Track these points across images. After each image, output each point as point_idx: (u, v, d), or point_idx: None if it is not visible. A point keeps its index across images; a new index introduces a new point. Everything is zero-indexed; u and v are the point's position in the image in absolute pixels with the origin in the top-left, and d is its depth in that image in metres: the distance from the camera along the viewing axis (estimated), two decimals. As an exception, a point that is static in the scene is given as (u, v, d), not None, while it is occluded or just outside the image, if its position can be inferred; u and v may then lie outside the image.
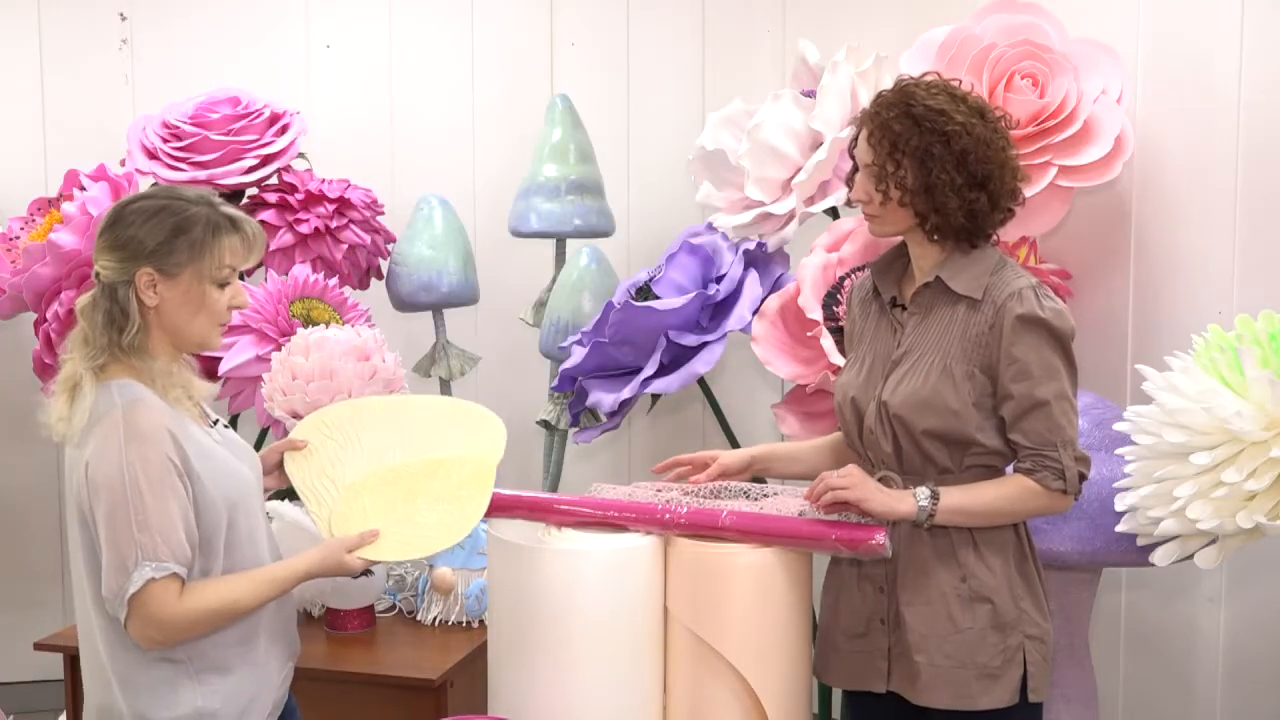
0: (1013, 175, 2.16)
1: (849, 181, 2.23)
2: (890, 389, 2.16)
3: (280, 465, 2.24)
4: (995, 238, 2.20)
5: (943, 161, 2.09)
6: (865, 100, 3.01)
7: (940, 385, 2.11)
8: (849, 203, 2.27)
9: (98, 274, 2.01)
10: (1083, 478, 2.12)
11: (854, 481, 2.10)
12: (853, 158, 2.22)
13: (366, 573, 2.83)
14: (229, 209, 2.04)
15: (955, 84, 2.19)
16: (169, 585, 1.91)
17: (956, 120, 2.10)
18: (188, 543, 1.94)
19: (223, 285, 2.02)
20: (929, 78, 2.19)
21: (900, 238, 2.23)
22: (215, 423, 2.12)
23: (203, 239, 1.98)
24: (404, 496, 2.17)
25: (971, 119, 2.11)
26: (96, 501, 1.92)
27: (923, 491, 2.10)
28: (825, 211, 3.18)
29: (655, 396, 3.20)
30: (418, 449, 2.25)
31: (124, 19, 3.97)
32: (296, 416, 2.87)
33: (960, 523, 2.12)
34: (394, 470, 2.22)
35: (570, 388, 3.27)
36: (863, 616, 2.21)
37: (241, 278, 2.11)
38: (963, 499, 2.10)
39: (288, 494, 2.39)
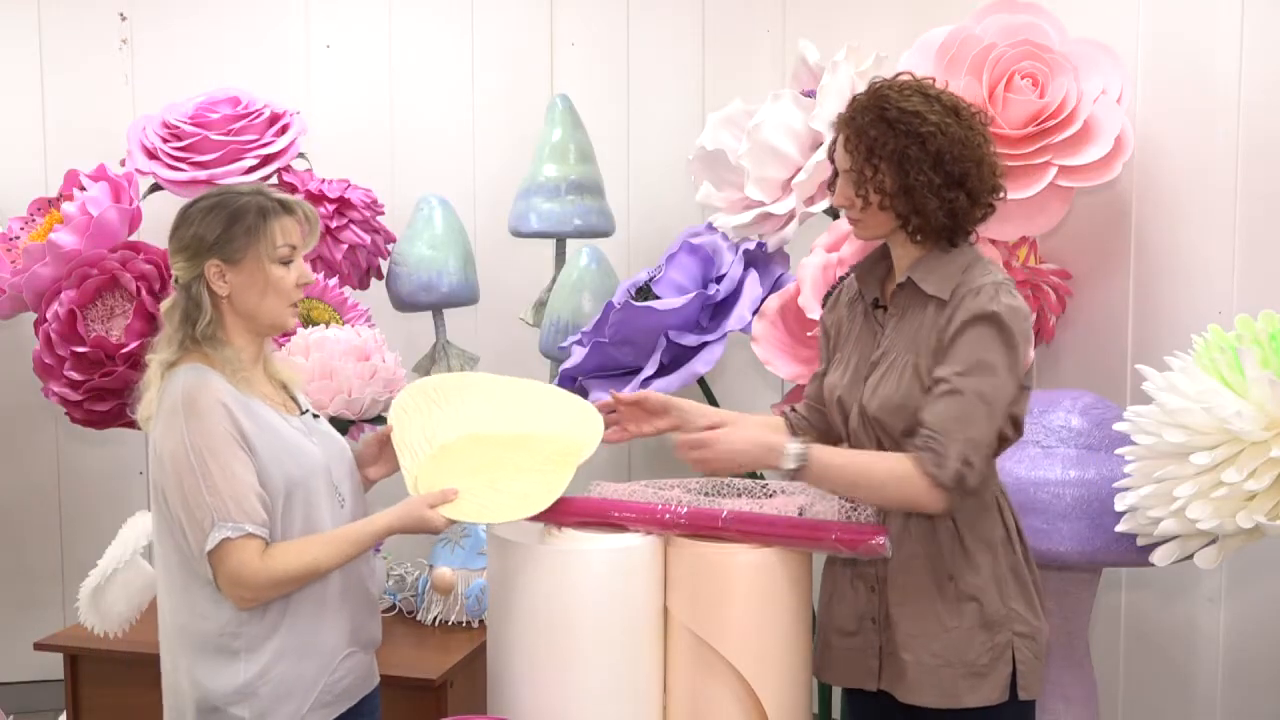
0: (990, 171, 2.14)
1: (830, 186, 2.23)
2: (869, 392, 2.16)
3: (380, 453, 2.32)
4: (975, 235, 2.19)
5: (919, 163, 2.08)
6: (865, 100, 3.01)
7: (912, 387, 2.11)
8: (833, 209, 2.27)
9: (176, 278, 2.14)
10: (964, 484, 2.04)
11: (705, 455, 2.14)
12: (832, 163, 2.21)
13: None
14: (280, 194, 2.17)
15: (929, 82, 2.18)
16: (247, 545, 2.02)
17: (930, 121, 2.09)
18: (260, 505, 2.03)
19: (285, 264, 2.13)
20: (902, 78, 2.18)
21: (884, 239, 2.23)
22: (305, 412, 2.22)
23: (255, 223, 2.11)
24: (490, 463, 2.22)
25: (946, 118, 2.10)
26: (167, 478, 2.04)
27: (793, 448, 2.09)
28: (825, 211, 3.18)
29: (655, 396, 3.20)
30: (512, 423, 2.31)
31: (124, 19, 3.97)
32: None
33: (829, 482, 2.12)
34: (485, 437, 2.28)
35: (570, 388, 3.26)
36: (854, 615, 2.21)
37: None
38: (835, 457, 2.11)
39: None
